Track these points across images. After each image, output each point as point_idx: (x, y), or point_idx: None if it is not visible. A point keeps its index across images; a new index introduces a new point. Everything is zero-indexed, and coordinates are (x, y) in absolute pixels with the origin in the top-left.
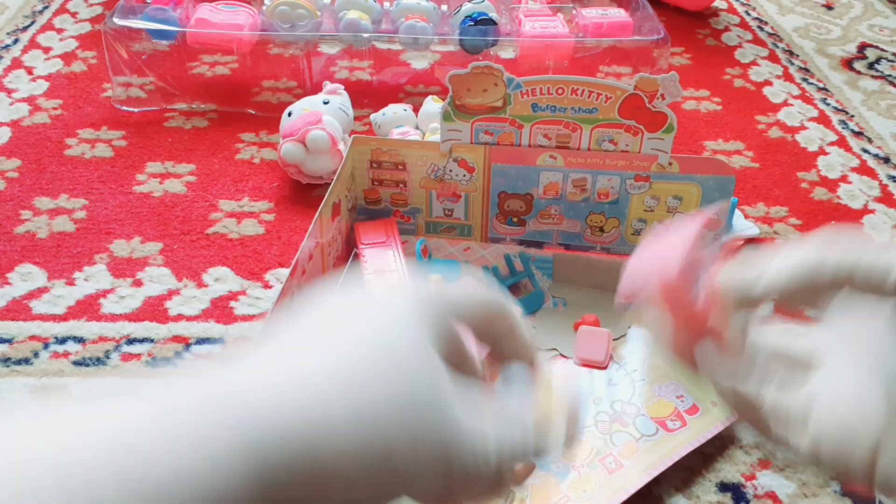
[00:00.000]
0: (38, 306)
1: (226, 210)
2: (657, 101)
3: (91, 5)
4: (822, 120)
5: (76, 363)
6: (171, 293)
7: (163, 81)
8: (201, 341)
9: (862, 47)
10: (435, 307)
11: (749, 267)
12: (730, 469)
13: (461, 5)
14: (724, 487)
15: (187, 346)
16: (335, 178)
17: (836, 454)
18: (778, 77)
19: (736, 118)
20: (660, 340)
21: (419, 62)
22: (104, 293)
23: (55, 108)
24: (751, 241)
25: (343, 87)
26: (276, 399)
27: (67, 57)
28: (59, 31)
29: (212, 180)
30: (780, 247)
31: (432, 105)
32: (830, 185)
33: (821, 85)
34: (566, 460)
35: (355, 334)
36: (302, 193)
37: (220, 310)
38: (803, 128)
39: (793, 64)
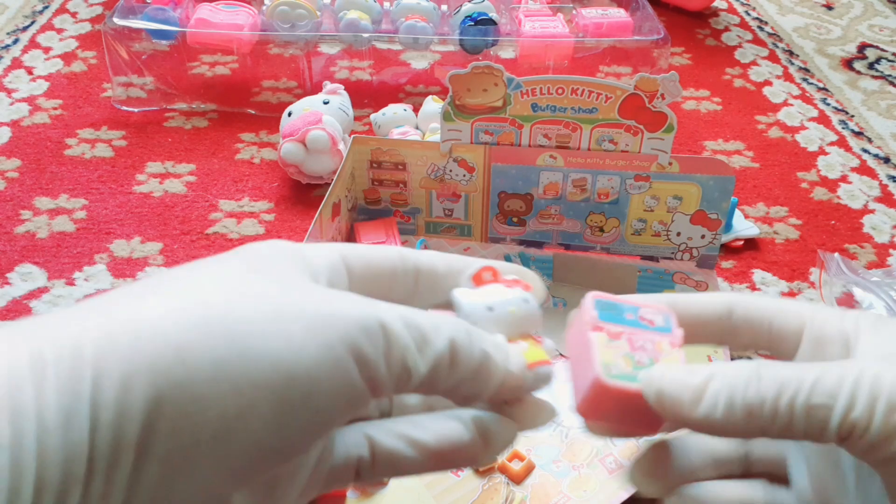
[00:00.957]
0: (38, 306)
1: (226, 210)
2: (657, 101)
3: (91, 5)
4: (822, 120)
5: None
6: None
7: (163, 81)
8: None
9: (862, 47)
10: (317, 254)
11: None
12: None
13: (461, 5)
14: None
15: None
16: (335, 178)
17: None
18: (778, 77)
19: (736, 118)
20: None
21: (419, 62)
22: (104, 293)
23: (55, 108)
24: (750, 241)
25: (343, 87)
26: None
27: (67, 57)
28: (59, 31)
29: (212, 180)
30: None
31: (432, 105)
32: (830, 185)
33: (821, 85)
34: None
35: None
36: (302, 193)
37: None
38: (803, 128)
39: (793, 64)
